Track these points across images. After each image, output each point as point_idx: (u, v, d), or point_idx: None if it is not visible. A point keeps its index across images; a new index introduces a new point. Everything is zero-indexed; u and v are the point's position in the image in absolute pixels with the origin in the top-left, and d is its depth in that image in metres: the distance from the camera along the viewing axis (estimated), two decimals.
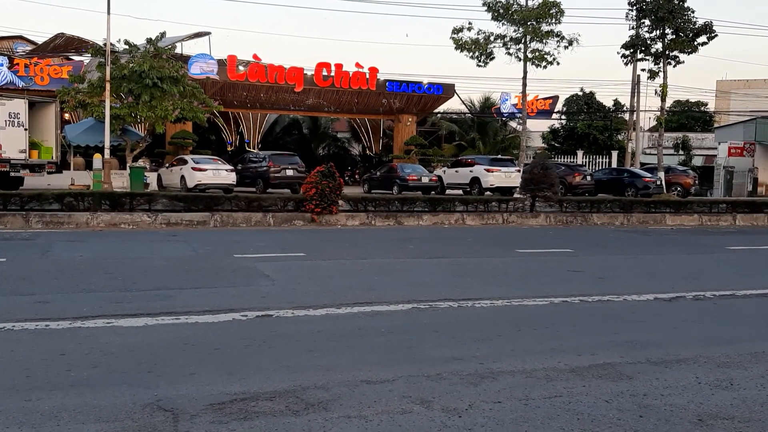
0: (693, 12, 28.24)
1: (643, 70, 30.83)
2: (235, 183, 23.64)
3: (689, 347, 5.53)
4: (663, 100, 29.43)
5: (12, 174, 20.25)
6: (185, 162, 23.70)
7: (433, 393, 4.23)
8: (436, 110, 41.55)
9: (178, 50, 29.00)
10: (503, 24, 28.87)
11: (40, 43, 33.74)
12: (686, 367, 4.96)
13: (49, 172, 21.42)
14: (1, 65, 29.87)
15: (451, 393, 4.24)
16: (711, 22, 27.87)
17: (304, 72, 33.67)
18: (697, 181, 31.81)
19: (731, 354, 5.33)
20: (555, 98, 44.19)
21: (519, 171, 24.71)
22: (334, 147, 46.31)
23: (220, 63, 31.17)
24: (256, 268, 9.08)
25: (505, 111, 42.60)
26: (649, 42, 29.10)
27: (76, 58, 32.56)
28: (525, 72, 29.13)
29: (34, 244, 11.36)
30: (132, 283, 7.75)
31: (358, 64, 34.76)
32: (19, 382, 4.24)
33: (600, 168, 38.10)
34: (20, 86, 29.16)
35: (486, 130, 43.29)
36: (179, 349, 5.08)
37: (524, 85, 29.53)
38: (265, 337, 5.47)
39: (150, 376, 4.41)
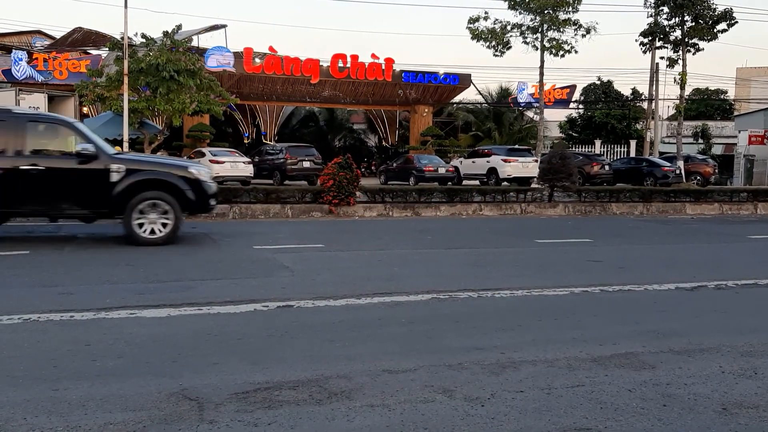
0: None
1: (662, 58, 30.50)
2: (252, 175, 23.81)
3: (712, 336, 5.49)
4: (682, 88, 29.07)
5: None
6: (203, 155, 23.88)
7: (455, 382, 4.24)
8: (453, 100, 41.39)
9: (194, 43, 29.06)
10: (520, 13, 28.68)
11: (58, 37, 34.04)
12: (709, 356, 4.93)
13: None
14: (20, 60, 30.14)
15: (473, 382, 4.25)
16: (731, 9, 27.46)
17: (320, 63, 33.63)
18: (716, 170, 31.46)
19: (755, 343, 5.29)
20: (572, 87, 43.74)
21: (536, 161, 24.58)
22: (351, 138, 46.34)
23: (237, 55, 31.22)
24: (275, 259, 9.12)
25: (521, 101, 42.28)
26: (667, 29, 28.71)
27: (94, 52, 32.77)
28: (542, 61, 28.92)
29: (56, 236, 11.49)
30: (154, 275, 7.82)
31: (374, 55, 34.68)
32: (46, 372, 4.31)
33: (618, 157, 37.77)
34: (39, 81, 29.44)
35: (502, 120, 43.06)
36: (202, 339, 5.13)
37: (541, 74, 29.32)
38: (287, 327, 5.50)
39: (174, 366, 4.46)
